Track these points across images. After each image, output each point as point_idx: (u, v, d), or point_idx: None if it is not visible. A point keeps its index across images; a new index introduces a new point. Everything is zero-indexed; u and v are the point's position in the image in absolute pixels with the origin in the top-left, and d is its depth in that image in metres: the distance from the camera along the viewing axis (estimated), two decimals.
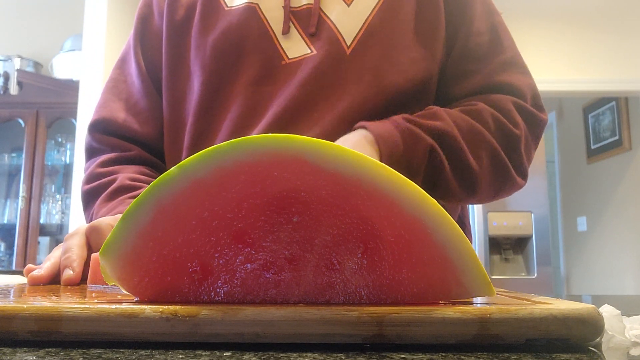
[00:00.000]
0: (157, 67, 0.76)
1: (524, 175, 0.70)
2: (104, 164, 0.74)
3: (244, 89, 0.67)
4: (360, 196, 0.28)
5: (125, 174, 0.71)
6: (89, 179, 0.74)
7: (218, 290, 0.29)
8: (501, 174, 0.67)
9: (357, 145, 0.58)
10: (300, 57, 0.67)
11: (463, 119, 0.64)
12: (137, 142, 0.76)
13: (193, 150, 0.70)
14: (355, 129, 0.62)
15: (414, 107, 0.68)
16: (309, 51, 0.67)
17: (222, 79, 0.69)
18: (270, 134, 0.28)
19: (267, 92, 0.67)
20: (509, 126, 0.66)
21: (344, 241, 0.29)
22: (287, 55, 0.67)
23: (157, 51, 0.76)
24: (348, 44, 0.67)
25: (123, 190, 0.69)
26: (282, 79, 0.67)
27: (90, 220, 0.67)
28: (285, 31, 0.68)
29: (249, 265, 0.29)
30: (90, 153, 0.78)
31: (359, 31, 0.67)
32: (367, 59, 0.67)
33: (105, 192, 0.70)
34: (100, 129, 0.76)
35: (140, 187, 0.69)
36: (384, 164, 0.28)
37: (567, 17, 3.60)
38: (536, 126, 0.70)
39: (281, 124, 0.65)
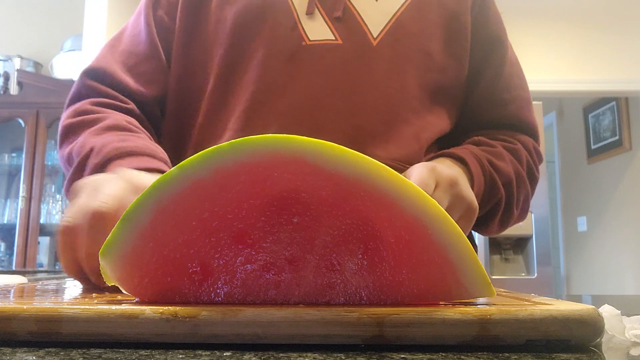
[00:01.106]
0: (169, 34, 0.72)
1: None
2: (95, 104, 0.67)
3: (261, 62, 0.66)
4: (361, 197, 0.28)
5: (120, 116, 0.65)
6: (75, 113, 0.66)
7: (218, 291, 0.29)
8: (524, 214, 0.75)
9: (466, 181, 0.60)
10: (322, 42, 0.66)
11: (514, 163, 0.70)
12: (136, 100, 0.70)
13: (207, 125, 0.68)
14: (447, 156, 0.65)
15: (426, 115, 0.68)
16: (332, 37, 0.66)
17: (240, 52, 0.68)
18: (270, 135, 0.28)
19: (285, 70, 0.65)
20: (534, 170, 0.74)
21: (344, 242, 0.29)
22: (307, 37, 0.66)
23: (171, 19, 0.73)
24: (375, 36, 0.66)
25: (121, 128, 0.62)
26: (301, 60, 0.66)
27: (71, 151, 0.61)
28: (310, 12, 0.67)
29: (249, 266, 0.29)
30: (78, 99, 0.69)
31: (387, 24, 0.67)
32: (394, 54, 0.67)
33: (97, 126, 0.62)
34: (95, 77, 0.70)
35: (141, 132, 0.64)
36: (383, 165, 0.28)
37: (567, 17, 3.59)
38: (539, 165, 0.77)
39: (305, 112, 0.64)
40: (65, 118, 0.67)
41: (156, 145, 0.62)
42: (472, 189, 0.61)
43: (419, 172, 0.54)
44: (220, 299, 0.29)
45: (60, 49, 3.19)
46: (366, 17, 0.67)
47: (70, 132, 0.64)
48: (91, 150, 0.58)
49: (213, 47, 0.70)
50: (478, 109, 0.75)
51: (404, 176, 0.56)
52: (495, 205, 0.67)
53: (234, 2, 0.69)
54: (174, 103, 0.72)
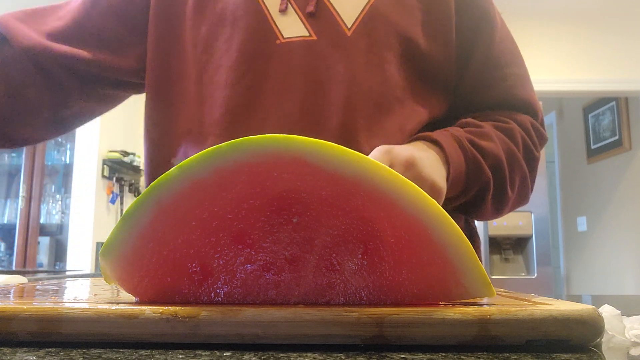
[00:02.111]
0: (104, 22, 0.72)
1: (532, 191, 0.74)
2: None
3: (236, 65, 0.65)
4: (360, 197, 0.28)
5: None
6: None
7: (218, 291, 0.29)
8: (523, 198, 0.71)
9: (434, 163, 0.57)
10: (297, 39, 0.65)
11: (505, 142, 0.66)
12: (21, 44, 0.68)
13: (191, 131, 0.68)
14: (421, 139, 0.62)
15: (412, 104, 0.67)
16: (307, 34, 0.65)
17: (215, 57, 0.67)
18: (270, 135, 0.28)
19: (261, 71, 0.65)
20: (532, 149, 0.70)
21: (344, 242, 0.29)
22: (282, 35, 0.65)
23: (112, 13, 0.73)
24: (348, 26, 0.65)
25: None
26: (277, 59, 0.65)
27: None
28: (283, 9, 0.65)
29: (249, 266, 0.29)
30: None
31: (361, 12, 0.66)
32: (371, 43, 0.65)
33: None
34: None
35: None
36: (383, 165, 0.28)
37: (568, 17, 3.59)
38: (542, 144, 0.73)
39: (286, 112, 0.63)
40: None
41: None
42: (449, 171, 0.59)
43: (373, 155, 0.53)
44: (220, 299, 0.29)
45: None
46: (340, 8, 0.66)
47: None
48: None
49: (189, 56, 0.70)
50: (470, 92, 0.72)
51: None
52: (483, 188, 0.64)
53: (209, 8, 0.69)
54: (153, 109, 0.72)
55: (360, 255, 0.29)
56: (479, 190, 0.64)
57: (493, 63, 0.71)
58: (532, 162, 0.70)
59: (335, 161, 0.28)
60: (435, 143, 0.61)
